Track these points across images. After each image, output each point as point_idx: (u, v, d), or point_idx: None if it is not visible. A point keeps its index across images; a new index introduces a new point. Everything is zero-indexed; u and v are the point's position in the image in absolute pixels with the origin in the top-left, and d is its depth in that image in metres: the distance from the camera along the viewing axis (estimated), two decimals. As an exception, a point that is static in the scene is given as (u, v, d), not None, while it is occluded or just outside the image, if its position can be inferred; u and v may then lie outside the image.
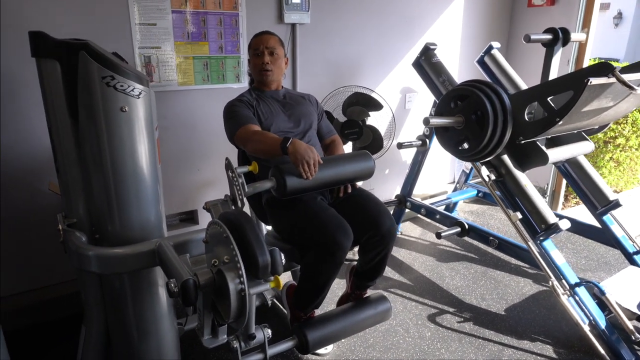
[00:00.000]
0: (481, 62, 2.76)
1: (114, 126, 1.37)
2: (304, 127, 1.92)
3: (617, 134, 3.54)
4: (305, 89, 2.67)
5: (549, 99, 2.03)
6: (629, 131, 3.53)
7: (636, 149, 3.62)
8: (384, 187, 3.34)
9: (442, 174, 3.74)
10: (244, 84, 2.44)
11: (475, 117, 2.09)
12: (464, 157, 2.22)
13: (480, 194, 3.33)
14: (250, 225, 1.29)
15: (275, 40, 1.92)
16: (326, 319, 1.76)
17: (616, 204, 2.46)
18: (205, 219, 2.57)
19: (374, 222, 1.68)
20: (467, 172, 3.31)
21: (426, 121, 2.03)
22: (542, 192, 3.63)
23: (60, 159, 1.49)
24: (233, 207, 1.63)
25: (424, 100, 3.27)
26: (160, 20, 2.15)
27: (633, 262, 2.41)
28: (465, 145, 2.20)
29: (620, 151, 3.60)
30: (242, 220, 1.29)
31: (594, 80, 1.84)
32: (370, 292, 1.95)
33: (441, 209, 3.17)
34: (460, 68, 3.47)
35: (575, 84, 1.89)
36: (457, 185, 3.41)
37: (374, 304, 1.84)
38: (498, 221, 3.41)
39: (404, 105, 3.24)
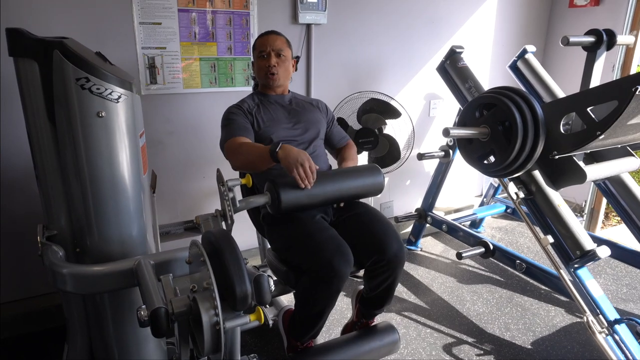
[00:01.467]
0: (514, 68, 2.53)
1: (90, 132, 1.25)
2: (309, 136, 1.76)
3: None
4: (320, 93, 2.52)
5: (589, 109, 1.80)
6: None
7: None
8: (404, 199, 3.13)
9: (469, 187, 3.49)
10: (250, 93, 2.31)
11: (502, 128, 1.88)
12: (489, 172, 2.01)
13: (509, 210, 3.07)
14: (230, 248, 1.14)
15: (282, 41, 1.77)
16: (325, 350, 1.60)
17: (665, 229, 2.18)
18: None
19: (380, 246, 1.50)
20: (496, 185, 3.06)
21: (446, 132, 1.83)
22: (580, 210, 3.33)
23: (40, 166, 1.39)
24: (223, 224, 1.49)
25: (449, 107, 3.04)
26: (166, 19, 2.04)
27: (684, 296, 2.13)
28: (492, 159, 1.99)
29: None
30: (222, 242, 1.15)
31: (644, 90, 1.61)
32: (378, 320, 1.78)
33: (466, 224, 2.95)
34: (491, 74, 3.22)
35: (621, 93, 1.66)
36: (485, 199, 3.17)
37: (380, 334, 1.67)
38: (529, 240, 3.14)
39: (428, 112, 3.03)
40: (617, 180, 2.30)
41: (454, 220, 2.77)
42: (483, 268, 2.76)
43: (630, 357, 1.79)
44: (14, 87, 1.80)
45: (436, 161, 2.80)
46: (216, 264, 1.12)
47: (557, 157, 1.90)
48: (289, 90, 1.86)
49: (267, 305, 2.18)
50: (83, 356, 1.65)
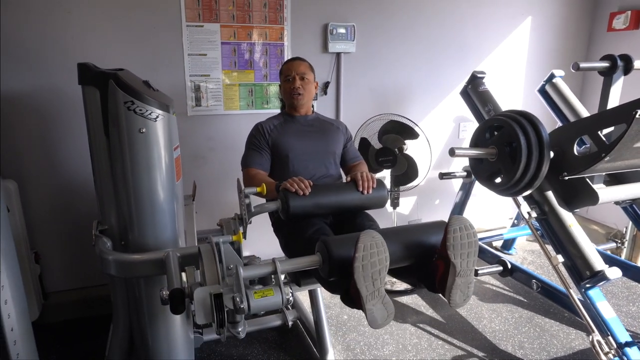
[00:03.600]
0: (542, 92, 2.60)
1: (133, 145, 1.54)
2: (324, 154, 1.97)
3: None
4: (348, 115, 2.72)
5: (602, 132, 1.86)
6: None
7: None
8: (433, 217, 3.21)
9: (503, 209, 3.50)
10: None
11: (509, 149, 1.97)
12: (498, 191, 2.09)
13: (539, 232, 3.05)
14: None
15: (305, 66, 2.01)
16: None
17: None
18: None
19: (359, 228, 1.63)
20: (526, 207, 3.06)
21: (452, 152, 1.96)
22: (621, 237, 3.22)
23: (97, 172, 1.71)
24: (240, 226, 1.72)
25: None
26: (210, 50, 2.36)
27: None
28: (500, 179, 2.08)
29: None
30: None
31: (645, 113, 1.66)
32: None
33: (497, 243, 2.99)
34: (525, 98, 3.27)
35: (625, 116, 1.72)
36: (515, 221, 3.17)
37: (433, 226, 1.51)
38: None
39: (457, 134, 3.13)
40: (641, 204, 2.28)
41: (481, 239, 2.82)
42: (507, 288, 2.78)
43: (638, 381, 1.78)
44: (76, 109, 2.20)
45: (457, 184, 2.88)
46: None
47: (566, 177, 1.96)
48: (313, 111, 2.09)
49: (289, 307, 2.38)
50: (124, 337, 1.94)
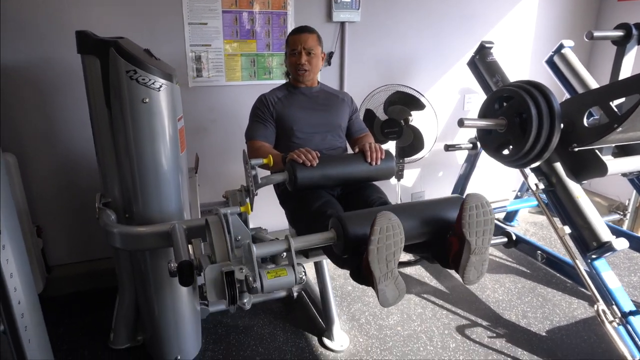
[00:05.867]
0: (550, 63, 2.55)
1: (136, 115, 1.50)
2: (329, 126, 1.93)
3: None
4: (352, 86, 2.67)
5: (614, 103, 1.82)
6: None
7: None
8: (436, 190, 3.21)
9: (506, 181, 3.49)
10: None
11: (519, 119, 1.93)
12: (507, 162, 2.07)
13: (546, 204, 3.05)
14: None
15: (313, 39, 1.92)
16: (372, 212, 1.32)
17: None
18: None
19: (367, 201, 1.67)
20: (530, 179, 3.05)
21: (461, 122, 1.92)
22: (623, 209, 3.22)
23: (99, 145, 1.67)
24: (247, 198, 1.70)
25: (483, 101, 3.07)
26: (211, 19, 2.29)
27: None
28: (509, 150, 2.05)
29: None
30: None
31: (660, 82, 1.62)
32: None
33: (500, 216, 2.99)
34: (531, 69, 3.20)
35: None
36: (519, 193, 3.17)
37: (448, 200, 1.47)
38: (564, 236, 3.10)
39: (462, 106, 3.08)
40: (649, 176, 2.26)
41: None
42: (510, 259, 2.80)
43: (640, 348, 1.81)
44: (73, 79, 2.13)
45: (461, 156, 2.85)
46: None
47: (576, 149, 1.93)
48: (318, 82, 2.03)
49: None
50: (130, 309, 1.95)
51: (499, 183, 3.45)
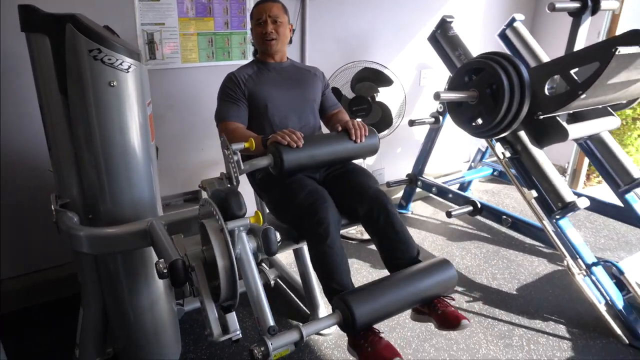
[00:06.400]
0: (503, 36, 2.61)
1: (102, 101, 1.32)
2: (304, 103, 1.85)
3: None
4: (314, 64, 2.57)
5: (572, 71, 1.91)
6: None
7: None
8: (395, 166, 3.24)
9: (457, 153, 3.61)
10: (249, 61, 2.36)
11: (490, 91, 1.98)
12: (478, 134, 2.11)
13: (495, 173, 3.21)
14: (236, 199, 1.24)
15: (278, 8, 1.82)
16: (373, 287, 1.39)
17: (640, 183, 2.32)
18: (211, 198, 2.54)
19: (360, 189, 1.62)
20: (483, 150, 3.18)
21: (437, 96, 1.93)
22: (562, 171, 3.48)
23: (52, 137, 1.46)
24: (227, 185, 1.58)
25: (439, 76, 3.13)
26: (163, -6, 2.07)
27: (657, 244, 2.29)
28: (479, 121, 2.10)
29: (648, 128, 3.41)
30: (230, 195, 1.25)
31: (623, 50, 1.71)
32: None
33: (454, 187, 3.08)
34: (482, 43, 3.29)
35: (602, 55, 1.76)
36: (472, 163, 3.29)
37: (437, 268, 1.47)
38: (514, 200, 3.30)
39: (418, 81, 3.11)
40: (598, 140, 2.43)
41: (443, 183, 2.90)
42: (471, 227, 2.91)
43: (606, 295, 1.96)
44: (16, 63, 1.86)
45: (426, 129, 2.90)
46: (225, 213, 1.23)
47: (541, 117, 2.01)
48: (287, 57, 1.93)
49: (268, 267, 2.30)
50: (97, 318, 1.76)
51: (450, 156, 3.56)
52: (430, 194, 2.97)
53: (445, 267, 1.47)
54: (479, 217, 2.76)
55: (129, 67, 1.32)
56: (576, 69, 2.07)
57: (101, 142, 1.36)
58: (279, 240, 1.55)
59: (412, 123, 2.59)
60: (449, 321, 1.41)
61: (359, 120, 1.69)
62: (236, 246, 1.25)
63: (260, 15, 1.79)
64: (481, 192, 3.46)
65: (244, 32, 2.33)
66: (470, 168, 3.32)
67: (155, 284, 1.61)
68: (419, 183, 2.94)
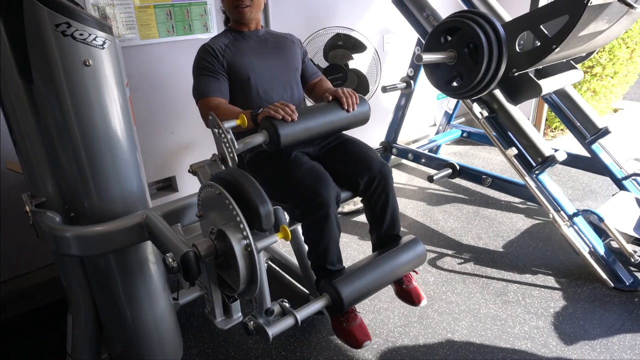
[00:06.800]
0: (462, -4, 2.60)
1: (77, 85, 1.16)
2: (288, 73, 1.75)
3: (594, 63, 3.50)
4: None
5: (542, 26, 1.93)
6: (605, 59, 3.50)
7: (612, 77, 3.62)
8: (366, 134, 3.19)
9: (423, 118, 3.64)
10: (212, 34, 2.21)
11: (468, 50, 1.97)
12: (457, 95, 2.11)
13: (465, 134, 3.27)
14: (246, 179, 1.15)
15: None
16: (356, 271, 1.53)
17: (605, 132, 2.44)
18: (184, 185, 2.40)
19: (365, 164, 1.59)
20: (450, 112, 3.22)
21: (419, 58, 1.89)
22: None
23: (17, 131, 1.28)
24: (222, 167, 1.47)
25: (402, 41, 3.10)
26: (110, -38, 1.87)
27: (622, 187, 2.43)
28: (457, 82, 2.09)
29: (597, 80, 3.58)
30: (237, 176, 1.16)
31: (594, 1, 1.74)
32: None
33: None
34: (439, 2, 3.28)
35: (572, 7, 1.79)
36: (440, 127, 3.33)
37: (410, 247, 1.63)
38: (482, 160, 3.39)
39: (382, 47, 3.06)
40: (562, 93, 2.51)
41: (418, 149, 2.91)
42: (448, 189, 2.96)
43: (588, 242, 2.06)
44: None
45: (395, 96, 2.88)
46: (235, 196, 1.13)
47: (516, 74, 2.03)
48: (262, 25, 1.81)
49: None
50: (88, 324, 1.62)
51: (416, 121, 3.58)
52: (404, 160, 2.98)
53: (416, 245, 1.64)
54: (452, 179, 2.81)
55: (104, 42, 1.17)
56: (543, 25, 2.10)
57: (80, 131, 1.21)
58: (287, 218, 1.49)
59: (384, 89, 2.55)
60: (411, 299, 1.65)
61: (347, 88, 1.62)
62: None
63: None
64: (449, 154, 3.52)
65: (204, 3, 2.16)
66: (438, 132, 3.36)
67: (153, 280, 1.50)
68: (393, 150, 2.94)
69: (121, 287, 1.47)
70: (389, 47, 3.09)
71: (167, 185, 2.41)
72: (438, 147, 3.37)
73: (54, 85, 1.16)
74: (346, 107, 1.57)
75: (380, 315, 1.91)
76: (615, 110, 4.35)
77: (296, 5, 2.52)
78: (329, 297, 1.46)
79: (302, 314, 1.40)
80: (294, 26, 2.51)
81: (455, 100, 3.17)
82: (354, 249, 2.36)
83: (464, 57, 1.96)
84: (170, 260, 1.12)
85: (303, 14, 2.56)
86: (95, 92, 1.19)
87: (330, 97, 1.60)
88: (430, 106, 3.62)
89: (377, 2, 2.89)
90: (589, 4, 1.73)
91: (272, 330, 1.34)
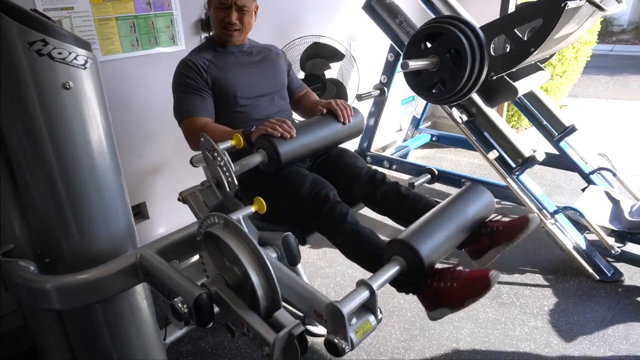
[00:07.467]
0: (425, 0, 2.61)
1: (56, 110, 1.00)
2: (275, 86, 1.65)
3: (546, 63, 3.66)
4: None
5: (515, 30, 1.96)
6: (555, 59, 3.67)
7: (561, 76, 3.80)
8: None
9: (388, 124, 3.64)
10: (180, 47, 2.05)
11: (449, 55, 1.95)
12: (439, 101, 2.08)
13: (434, 138, 3.29)
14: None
15: None
16: (423, 224, 1.23)
17: (572, 129, 2.54)
18: (155, 212, 2.21)
19: (353, 173, 1.52)
20: (418, 117, 3.24)
21: (405, 65, 1.84)
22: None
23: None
24: (219, 194, 1.34)
25: (368, 47, 3.08)
26: (65, -29, 1.68)
27: (589, 182, 2.53)
28: (437, 89, 2.08)
29: (549, 79, 3.75)
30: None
31: (571, 4, 1.79)
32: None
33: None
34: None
35: (548, 10, 1.83)
36: (409, 132, 3.34)
37: (474, 193, 1.40)
38: (450, 162, 3.43)
39: (349, 54, 3.02)
40: (529, 94, 2.59)
41: (391, 155, 2.89)
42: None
43: (570, 237, 2.11)
44: None
45: (367, 105, 2.84)
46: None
47: (495, 77, 2.05)
48: (247, 38, 1.69)
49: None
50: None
51: (382, 127, 3.57)
52: (377, 168, 2.94)
53: (480, 189, 1.41)
54: (424, 184, 2.80)
55: (86, 61, 1.02)
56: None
57: (59, 162, 1.05)
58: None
59: (360, 98, 2.51)
60: (511, 232, 1.28)
61: (340, 100, 1.55)
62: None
63: (226, 0, 1.52)
64: (418, 158, 3.53)
65: (169, 13, 2.01)
66: (406, 137, 3.36)
67: (145, 327, 1.33)
68: (368, 159, 2.90)
69: (108, 337, 1.29)
70: (356, 54, 3.04)
71: (136, 212, 2.21)
72: (407, 152, 3.38)
73: (26, 112, 0.99)
74: (342, 120, 1.49)
75: (382, 331, 1.84)
76: (561, 107, 4.59)
77: (264, 14, 2.41)
78: (401, 258, 1.11)
79: (376, 282, 1.03)
80: (262, 35, 2.40)
81: (423, 104, 3.19)
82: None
83: (447, 62, 1.95)
84: (180, 305, 0.98)
85: (272, 23, 2.46)
86: (77, 117, 1.03)
87: (325, 110, 1.52)
88: (395, 112, 3.62)
89: (343, 10, 2.85)
90: (566, 8, 1.77)
91: (349, 316, 0.95)
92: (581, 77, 4.22)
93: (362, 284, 1.00)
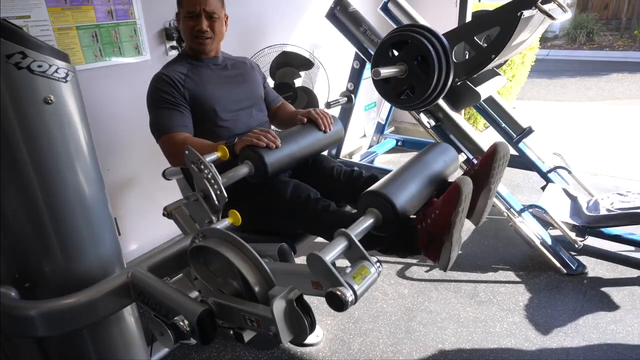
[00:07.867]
0: (385, 9, 2.69)
1: (36, 126, 0.95)
2: (252, 99, 1.64)
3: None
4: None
5: (475, 37, 2.07)
6: (505, 64, 3.87)
7: (510, 80, 4.02)
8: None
9: (352, 130, 3.69)
10: (145, 57, 1.99)
11: (417, 63, 2.02)
12: (408, 107, 2.15)
13: (399, 143, 3.37)
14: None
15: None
16: (394, 177, 1.24)
17: (529, 131, 2.68)
18: (127, 227, 2.12)
19: (333, 175, 1.57)
20: (383, 123, 3.31)
21: (377, 73, 1.89)
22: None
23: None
24: (206, 206, 1.31)
25: (331, 55, 3.11)
26: (22, -21, 1.59)
27: (548, 180, 2.68)
28: (405, 95, 2.14)
29: (499, 84, 3.96)
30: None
31: (526, 13, 1.90)
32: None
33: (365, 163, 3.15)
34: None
35: (505, 19, 1.94)
36: (374, 138, 3.40)
37: (439, 149, 1.44)
38: (414, 166, 3.52)
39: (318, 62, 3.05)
40: (488, 98, 2.71)
41: (360, 162, 2.93)
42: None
43: (537, 234, 2.22)
44: None
45: (335, 112, 2.87)
46: None
47: (458, 82, 2.14)
48: (220, 51, 1.67)
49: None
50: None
51: (348, 134, 3.61)
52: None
53: (444, 146, 1.47)
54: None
55: (67, 74, 0.97)
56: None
57: (40, 181, 0.99)
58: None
59: (328, 105, 2.53)
60: (486, 165, 1.27)
61: (319, 109, 1.57)
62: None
63: (194, 8, 1.49)
64: (383, 163, 3.61)
65: (133, 22, 1.95)
66: (372, 143, 3.42)
67: (135, 349, 1.27)
68: (337, 166, 2.92)
69: (94, 356, 1.22)
70: (320, 62, 3.07)
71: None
72: (374, 158, 3.44)
73: (2, 129, 0.92)
74: (323, 128, 1.51)
75: (369, 337, 1.85)
76: (511, 110, 4.84)
77: (233, 27, 2.40)
78: (375, 209, 1.12)
79: (355, 231, 1.04)
80: (228, 46, 2.38)
81: (387, 110, 3.27)
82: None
83: (415, 69, 2.01)
84: (182, 324, 0.95)
85: (238, 32, 2.44)
86: (59, 133, 0.97)
87: (305, 120, 1.53)
88: (359, 118, 3.68)
89: (305, 18, 2.87)
90: (522, 17, 1.88)
91: (327, 257, 0.93)
92: (526, 81, 4.48)
93: (340, 234, 0.99)
